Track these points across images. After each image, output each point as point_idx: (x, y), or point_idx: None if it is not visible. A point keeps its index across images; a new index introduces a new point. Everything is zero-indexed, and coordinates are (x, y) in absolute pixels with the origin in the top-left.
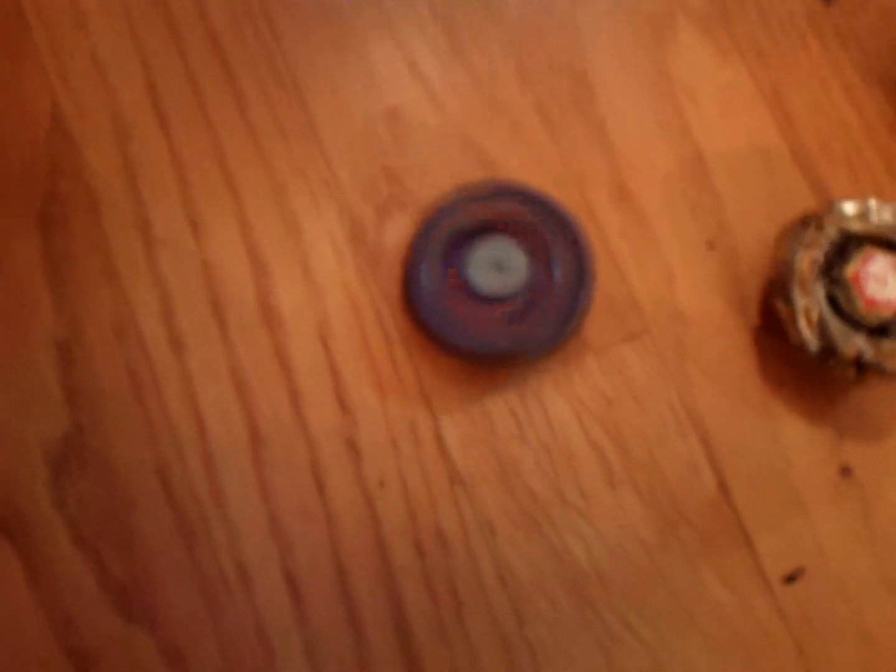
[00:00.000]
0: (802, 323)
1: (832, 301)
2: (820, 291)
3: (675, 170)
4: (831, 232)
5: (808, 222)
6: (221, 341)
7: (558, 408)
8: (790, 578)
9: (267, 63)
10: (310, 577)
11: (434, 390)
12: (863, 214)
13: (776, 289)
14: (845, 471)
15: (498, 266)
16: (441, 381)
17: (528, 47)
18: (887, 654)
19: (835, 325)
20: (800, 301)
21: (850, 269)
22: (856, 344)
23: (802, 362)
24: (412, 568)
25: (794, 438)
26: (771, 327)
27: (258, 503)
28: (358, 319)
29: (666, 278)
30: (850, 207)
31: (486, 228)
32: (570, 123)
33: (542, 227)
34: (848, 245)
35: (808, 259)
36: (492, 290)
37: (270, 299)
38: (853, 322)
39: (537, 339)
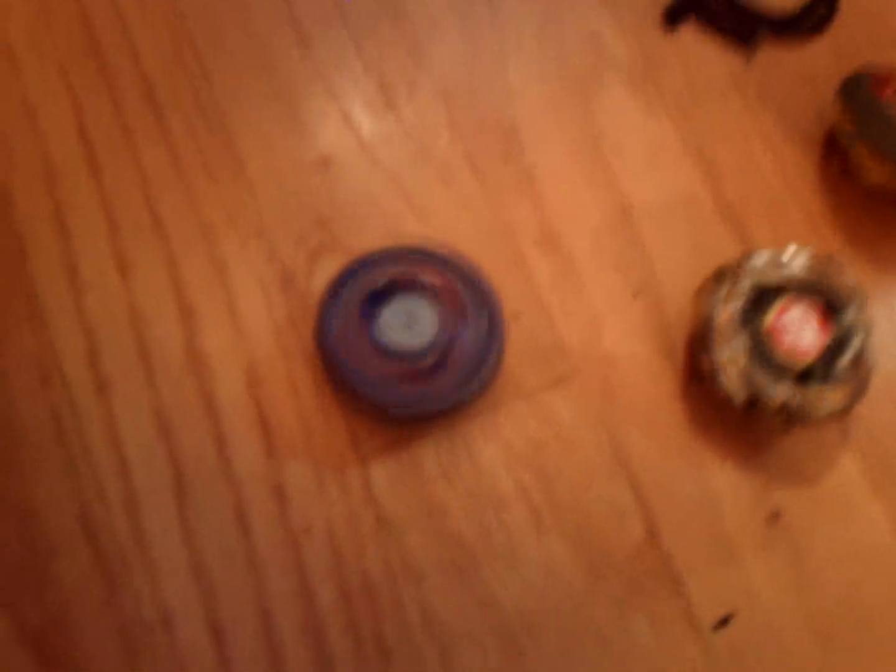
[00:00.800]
0: (725, 377)
1: (754, 351)
2: (741, 343)
3: (603, 221)
4: (746, 284)
5: (724, 275)
6: (147, 384)
7: (487, 453)
8: (720, 624)
9: (198, 108)
10: (233, 623)
11: (363, 436)
12: (777, 264)
13: (698, 343)
14: (774, 516)
15: (408, 324)
16: (370, 427)
17: (459, 100)
18: None
19: (759, 375)
20: (720, 355)
21: (768, 320)
22: (781, 393)
23: (730, 409)
24: (338, 615)
25: (723, 484)
26: (697, 375)
27: (181, 547)
28: (287, 364)
29: (594, 325)
30: (763, 258)
31: (399, 287)
32: (499, 174)
33: (456, 287)
34: (765, 294)
35: (726, 313)
36: (400, 347)
37: (197, 343)
38: (777, 370)
39: (442, 397)
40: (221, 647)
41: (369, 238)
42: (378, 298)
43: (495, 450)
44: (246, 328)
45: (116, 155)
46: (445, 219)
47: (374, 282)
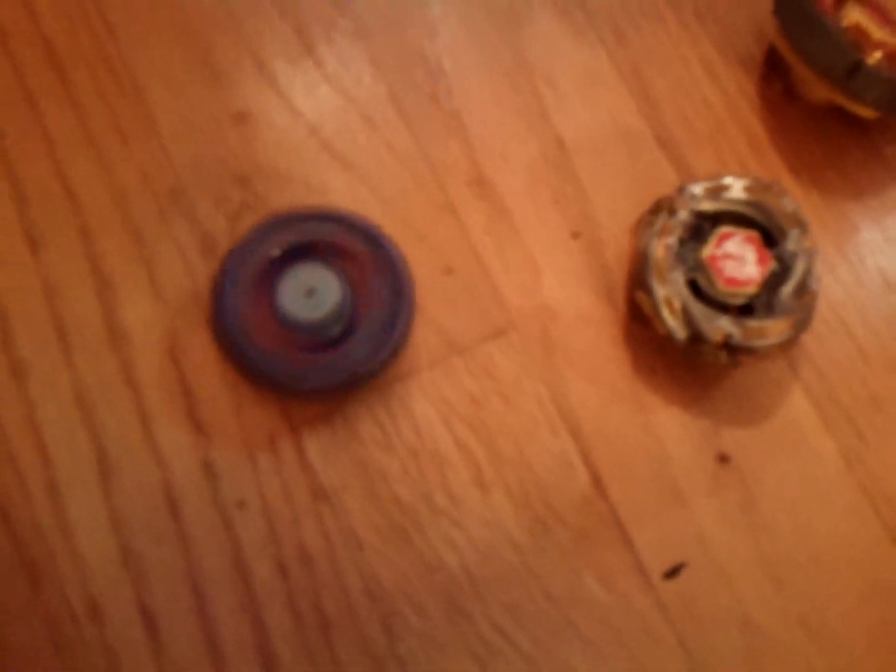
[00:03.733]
0: (665, 313)
1: (694, 285)
2: (679, 278)
3: (536, 158)
4: (683, 216)
5: (661, 208)
6: (65, 363)
7: (425, 412)
8: (671, 573)
9: (104, 65)
10: (166, 607)
11: (293, 404)
12: (714, 193)
13: (636, 281)
14: (723, 458)
15: (310, 293)
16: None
17: (380, 39)
18: (771, 641)
19: (699, 310)
20: (659, 291)
21: (706, 251)
22: (722, 327)
23: (673, 350)
24: (276, 589)
25: (668, 428)
26: (639, 317)
27: (108, 532)
28: (211, 334)
29: (531, 271)
30: (700, 187)
31: (299, 254)
32: (426, 115)
33: (358, 251)
34: (703, 227)
35: (662, 247)
36: (303, 318)
37: (116, 316)
38: (718, 304)
39: (350, 368)
40: (155, 633)
41: (293, 194)
42: (277, 268)
43: (433, 408)
44: (167, 297)
45: (18, 120)
46: (371, 166)
47: (269, 252)
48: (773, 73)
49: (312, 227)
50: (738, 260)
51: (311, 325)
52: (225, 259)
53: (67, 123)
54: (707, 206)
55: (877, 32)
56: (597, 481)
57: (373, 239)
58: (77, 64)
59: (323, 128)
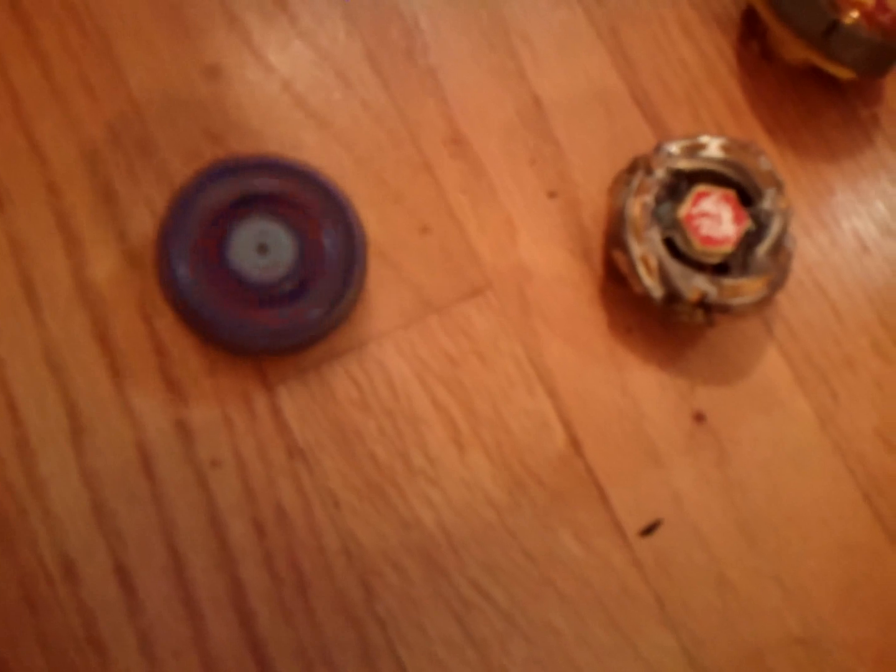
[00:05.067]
0: (642, 271)
1: (670, 244)
2: (656, 236)
3: (513, 117)
4: (660, 174)
5: (637, 167)
6: (34, 322)
7: (401, 371)
8: (647, 530)
9: (71, 16)
10: (141, 566)
11: (268, 362)
12: (691, 152)
13: (612, 239)
14: (698, 417)
15: (262, 248)
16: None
17: None
18: (745, 599)
19: (675, 268)
20: (636, 249)
21: (683, 210)
22: (698, 285)
23: (649, 309)
24: (252, 549)
25: (645, 388)
26: (615, 277)
27: (81, 491)
28: (160, 289)
29: (507, 231)
30: (676, 146)
31: (247, 206)
32: (402, 73)
33: (309, 202)
34: (679, 185)
35: (638, 205)
36: (255, 275)
37: (86, 273)
38: (694, 263)
39: (306, 325)
40: (131, 592)
41: (265, 150)
42: (225, 222)
43: (409, 368)
44: (137, 255)
45: None
46: (346, 124)
47: (215, 202)
48: (750, 34)
49: (262, 178)
50: (715, 218)
51: (265, 283)
52: (167, 213)
53: (32, 77)
54: (683, 164)
55: None
56: (573, 440)
57: (323, 189)
58: (42, 15)
59: (296, 84)
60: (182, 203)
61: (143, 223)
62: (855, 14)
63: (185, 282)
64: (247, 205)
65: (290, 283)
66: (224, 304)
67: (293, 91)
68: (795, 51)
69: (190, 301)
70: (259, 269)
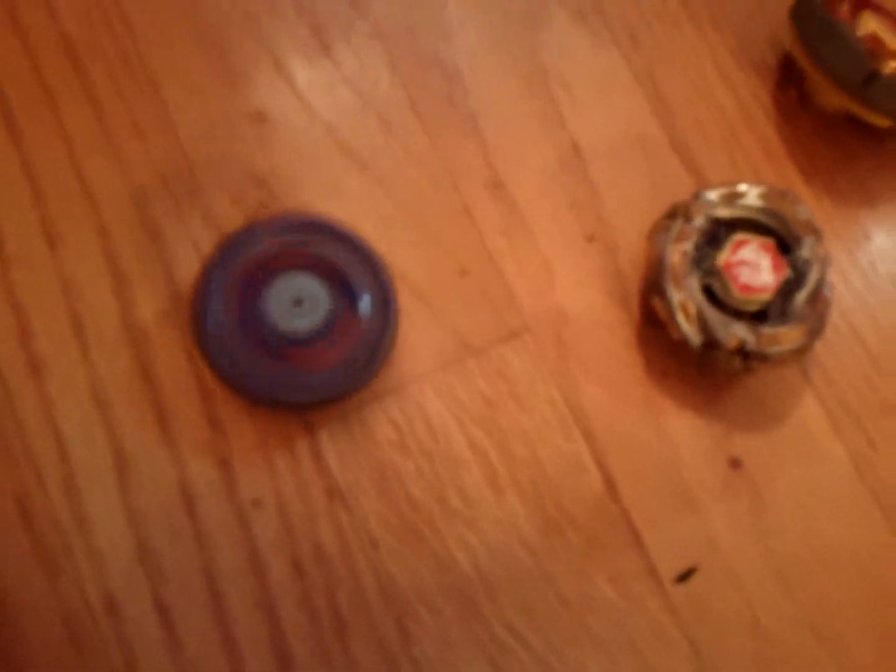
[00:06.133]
0: (681, 318)
1: (709, 292)
2: (695, 284)
3: (552, 162)
4: (699, 222)
5: (676, 214)
6: (82, 360)
7: (439, 413)
8: (682, 577)
9: (122, 62)
10: (182, 603)
11: None
12: (730, 200)
13: (651, 285)
14: (735, 463)
15: (298, 303)
16: None
17: (398, 42)
18: (779, 646)
19: (714, 316)
20: (675, 296)
21: (722, 258)
22: (737, 333)
23: (686, 355)
24: (291, 588)
25: (681, 432)
26: (652, 322)
27: (125, 529)
28: (191, 336)
29: (545, 275)
30: (715, 194)
31: (285, 264)
32: (443, 118)
33: (345, 261)
34: (718, 233)
35: (678, 252)
36: (290, 329)
37: (133, 313)
38: (732, 311)
39: (344, 382)
40: (171, 628)
41: (310, 194)
42: (263, 277)
43: (447, 410)
44: (183, 295)
45: (37, 117)
46: (387, 168)
47: (256, 258)
48: (787, 81)
49: (300, 237)
50: (754, 267)
51: (298, 335)
52: (206, 267)
53: (85, 121)
54: (723, 212)
55: (893, 42)
56: (609, 484)
57: (360, 249)
58: (95, 60)
59: (339, 129)
60: (224, 256)
61: (190, 265)
62: (894, 64)
63: (214, 333)
64: (287, 262)
65: (323, 340)
66: (251, 352)
67: (336, 135)
68: (833, 99)
69: (217, 352)
70: (293, 322)
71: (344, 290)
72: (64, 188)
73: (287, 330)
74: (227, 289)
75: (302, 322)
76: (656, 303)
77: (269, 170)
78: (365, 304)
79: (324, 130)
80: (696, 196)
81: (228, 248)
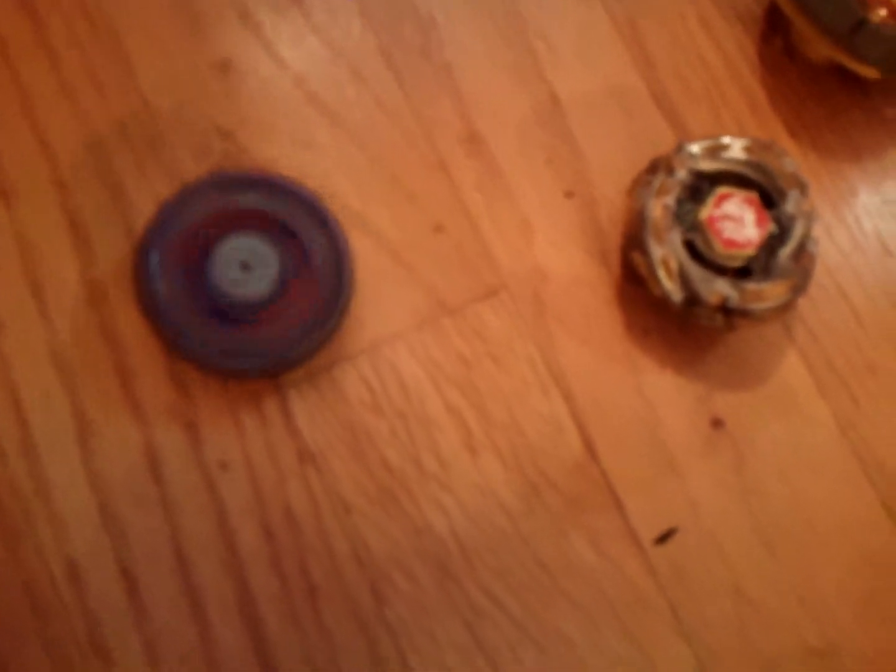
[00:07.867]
0: (662, 274)
1: (691, 247)
2: (676, 239)
3: (530, 116)
4: (681, 175)
5: (658, 167)
6: (40, 319)
7: (413, 373)
8: (662, 538)
9: (80, 12)
10: (148, 570)
11: None
12: (713, 153)
13: (632, 241)
14: (716, 422)
15: (246, 266)
16: None
17: None
18: (761, 608)
19: (696, 272)
20: (656, 252)
21: (704, 212)
22: (719, 290)
23: (668, 312)
24: (260, 553)
25: (662, 391)
26: (633, 279)
27: (87, 494)
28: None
29: (523, 231)
30: (698, 147)
31: (229, 224)
32: (417, 70)
33: (291, 217)
34: (701, 187)
35: (659, 206)
36: (239, 293)
37: (93, 272)
38: (715, 266)
39: (278, 353)
40: (136, 596)
41: (277, 147)
42: (206, 240)
43: (423, 369)
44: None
45: None
46: (359, 122)
47: (200, 218)
48: (773, 31)
49: (243, 194)
50: (737, 221)
51: (246, 301)
52: (147, 227)
53: (41, 72)
54: (706, 165)
55: None
56: (588, 445)
57: (306, 202)
58: (51, 10)
59: (309, 80)
60: (163, 219)
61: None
62: (883, 12)
63: (160, 298)
64: (231, 222)
65: (274, 301)
66: (200, 320)
67: (306, 87)
68: (820, 48)
69: (164, 318)
70: (240, 286)
71: (294, 248)
72: (18, 141)
73: (236, 294)
74: (169, 261)
75: (252, 286)
76: (637, 259)
77: (235, 122)
78: (317, 259)
79: (292, 82)
80: (679, 149)
81: (165, 216)
